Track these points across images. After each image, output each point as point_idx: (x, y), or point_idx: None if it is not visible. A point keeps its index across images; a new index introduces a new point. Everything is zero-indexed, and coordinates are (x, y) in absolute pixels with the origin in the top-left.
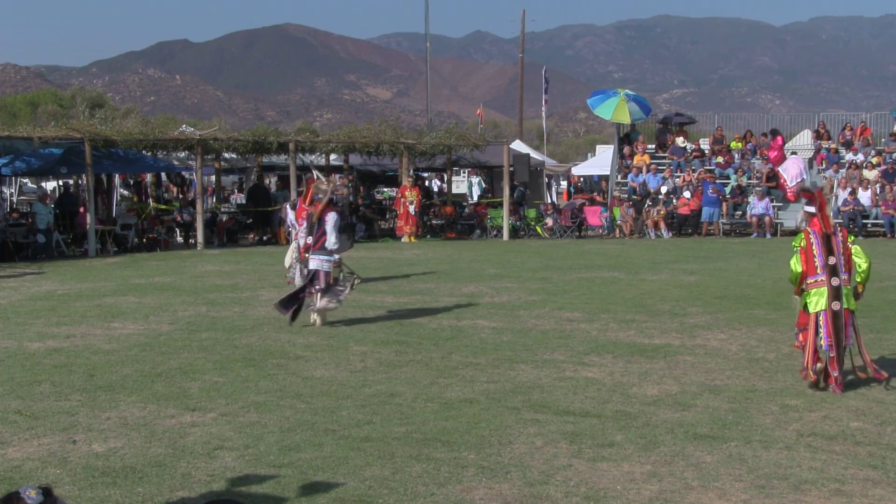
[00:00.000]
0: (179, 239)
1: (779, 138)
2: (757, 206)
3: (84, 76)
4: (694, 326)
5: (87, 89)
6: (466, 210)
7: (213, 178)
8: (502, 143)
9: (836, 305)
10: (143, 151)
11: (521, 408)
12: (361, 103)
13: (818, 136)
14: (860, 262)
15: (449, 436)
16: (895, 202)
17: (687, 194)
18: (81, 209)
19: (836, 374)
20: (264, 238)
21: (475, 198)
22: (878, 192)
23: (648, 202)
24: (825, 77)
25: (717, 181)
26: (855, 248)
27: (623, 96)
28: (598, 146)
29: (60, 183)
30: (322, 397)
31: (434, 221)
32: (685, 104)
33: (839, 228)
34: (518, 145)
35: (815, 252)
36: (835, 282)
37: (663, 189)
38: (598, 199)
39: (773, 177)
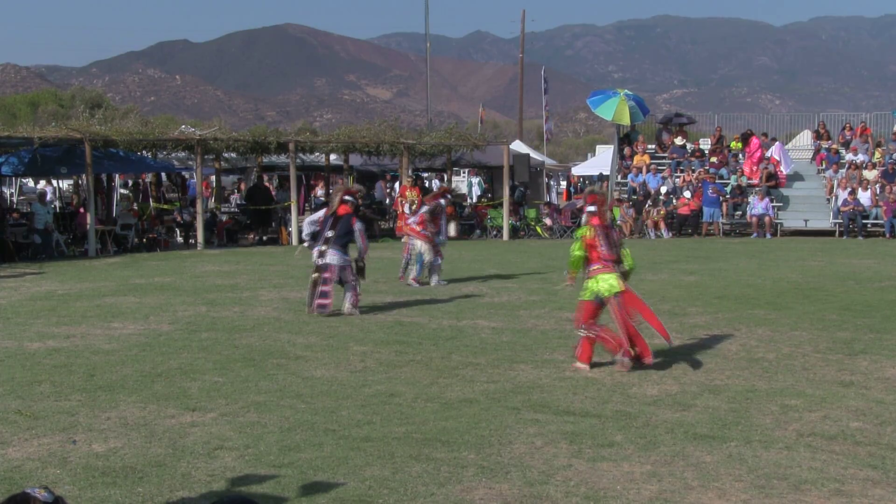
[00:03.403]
0: (179, 239)
1: (752, 140)
2: (757, 206)
3: (84, 76)
4: (694, 326)
5: (87, 89)
6: (466, 210)
7: (213, 178)
8: (502, 143)
9: (624, 286)
10: (143, 151)
11: (521, 408)
12: (361, 103)
13: (818, 136)
14: (627, 256)
15: (449, 436)
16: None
17: (687, 194)
18: (81, 209)
19: (638, 348)
20: (264, 238)
21: (475, 198)
22: (877, 192)
23: (648, 202)
24: (825, 77)
25: (717, 181)
26: (624, 251)
27: (623, 96)
28: (598, 146)
29: (62, 184)
30: (322, 397)
31: None
32: (685, 104)
33: (615, 225)
34: (518, 145)
35: (599, 243)
36: (619, 268)
37: (663, 189)
38: None
39: (773, 176)
